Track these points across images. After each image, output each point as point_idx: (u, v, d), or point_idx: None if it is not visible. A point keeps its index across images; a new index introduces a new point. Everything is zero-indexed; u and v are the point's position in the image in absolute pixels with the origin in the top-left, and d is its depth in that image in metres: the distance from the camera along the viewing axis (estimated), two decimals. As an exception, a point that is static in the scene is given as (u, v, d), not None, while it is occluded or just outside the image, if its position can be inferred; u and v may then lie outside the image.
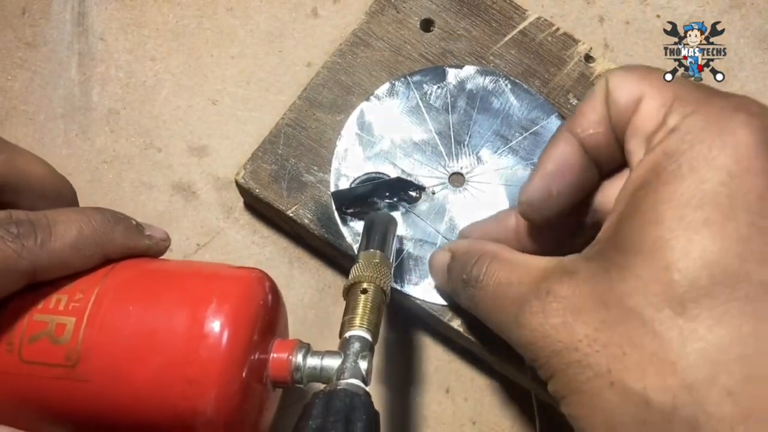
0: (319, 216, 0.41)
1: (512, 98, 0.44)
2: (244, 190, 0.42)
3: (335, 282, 0.43)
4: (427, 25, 0.45)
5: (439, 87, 0.44)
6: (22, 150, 0.31)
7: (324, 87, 0.44)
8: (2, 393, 0.28)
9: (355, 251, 0.40)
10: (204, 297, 0.28)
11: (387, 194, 0.41)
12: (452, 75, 0.44)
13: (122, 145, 0.46)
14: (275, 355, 0.30)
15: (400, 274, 0.40)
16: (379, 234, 0.36)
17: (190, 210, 0.45)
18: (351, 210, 0.41)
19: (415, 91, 0.44)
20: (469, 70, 0.44)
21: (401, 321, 0.42)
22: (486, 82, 0.44)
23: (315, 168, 0.42)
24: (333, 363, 0.29)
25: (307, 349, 0.30)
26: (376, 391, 0.41)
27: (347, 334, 0.30)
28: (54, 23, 0.48)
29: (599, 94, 0.30)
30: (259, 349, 0.29)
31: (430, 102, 0.43)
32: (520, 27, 0.45)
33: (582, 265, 0.27)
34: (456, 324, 0.39)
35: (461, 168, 0.42)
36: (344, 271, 0.43)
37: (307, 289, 0.43)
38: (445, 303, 0.39)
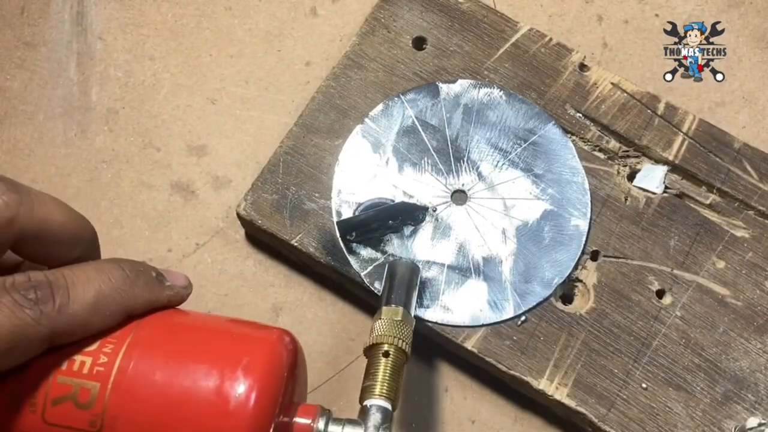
0: (324, 243, 0.41)
1: (508, 109, 0.43)
2: (246, 222, 0.42)
3: (337, 302, 0.43)
4: (419, 43, 0.45)
5: (433, 104, 0.43)
6: (42, 195, 0.30)
7: (320, 112, 0.43)
8: None
9: (362, 278, 0.40)
10: (230, 366, 0.27)
11: (391, 219, 0.40)
12: (445, 90, 0.44)
13: (121, 145, 0.46)
14: (298, 420, 0.30)
15: None
16: (401, 287, 0.36)
17: (189, 209, 0.45)
18: (355, 237, 0.40)
19: (409, 109, 0.43)
20: (463, 84, 0.44)
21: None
22: (480, 95, 0.44)
23: (316, 195, 0.42)
24: None
25: (329, 416, 0.30)
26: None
27: (367, 403, 0.31)
28: (53, 23, 0.48)
29: None
30: (284, 414, 0.28)
31: (426, 120, 0.43)
32: (513, 40, 0.45)
33: None
34: (470, 345, 0.39)
35: (463, 185, 0.42)
36: (348, 294, 0.43)
37: (306, 288, 0.43)
38: (457, 324, 0.39)
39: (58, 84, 0.47)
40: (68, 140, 0.46)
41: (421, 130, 0.43)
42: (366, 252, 0.40)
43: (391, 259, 0.40)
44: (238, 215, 0.42)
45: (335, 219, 0.41)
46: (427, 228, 0.41)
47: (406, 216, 0.41)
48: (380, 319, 0.34)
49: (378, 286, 0.40)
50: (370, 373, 0.32)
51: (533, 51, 0.45)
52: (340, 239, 0.40)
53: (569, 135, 0.43)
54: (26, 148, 0.46)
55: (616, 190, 0.42)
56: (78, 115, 0.47)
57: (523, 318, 0.39)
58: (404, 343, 0.33)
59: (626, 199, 0.42)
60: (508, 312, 0.39)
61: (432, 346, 0.42)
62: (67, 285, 0.27)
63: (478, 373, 0.41)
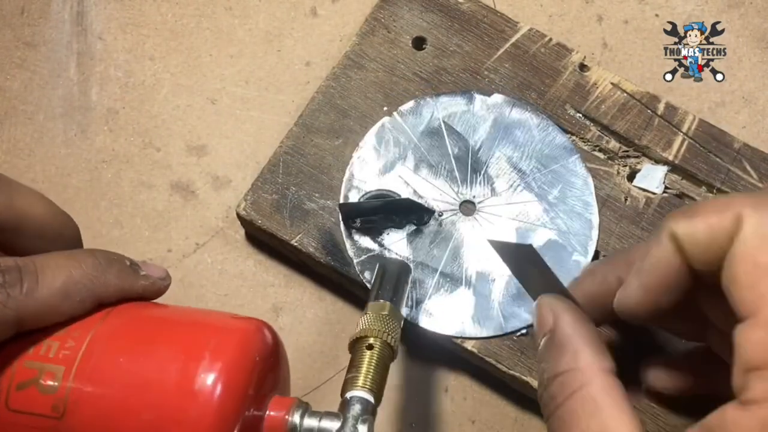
0: (324, 243, 0.41)
1: (537, 132, 0.43)
2: (246, 222, 0.42)
3: (337, 301, 0.43)
4: (419, 43, 0.45)
5: (464, 111, 0.43)
6: (23, 188, 0.30)
7: (320, 112, 0.43)
8: None
9: (355, 265, 0.40)
10: (197, 350, 0.27)
11: (395, 214, 0.40)
12: (479, 101, 0.43)
13: (121, 145, 0.46)
14: (271, 413, 0.28)
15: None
16: (390, 283, 0.35)
17: (189, 209, 0.45)
18: (357, 224, 0.40)
19: (439, 111, 0.43)
20: (498, 98, 0.44)
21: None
22: (512, 112, 0.43)
23: (317, 195, 0.42)
24: (331, 426, 0.28)
25: (305, 409, 0.29)
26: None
27: (348, 395, 0.29)
28: (53, 23, 0.48)
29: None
30: (254, 406, 0.27)
31: (453, 125, 0.43)
32: (513, 40, 0.45)
33: None
34: (470, 345, 0.39)
35: (473, 196, 0.42)
36: (348, 294, 0.43)
37: (306, 288, 0.43)
38: (436, 330, 0.39)
39: (58, 84, 0.47)
40: (68, 140, 0.46)
41: (446, 134, 0.43)
42: (363, 240, 0.40)
43: (386, 252, 0.40)
44: (238, 215, 0.42)
45: (341, 200, 0.41)
46: (428, 231, 0.41)
47: (411, 214, 0.41)
48: (366, 313, 0.33)
49: (368, 276, 0.40)
50: (353, 365, 0.31)
51: (533, 51, 0.45)
52: (341, 222, 0.40)
53: (569, 135, 0.43)
54: (26, 148, 0.46)
55: (616, 190, 0.42)
56: (78, 115, 0.47)
57: (523, 331, 0.39)
58: (390, 338, 0.32)
59: (626, 199, 0.42)
60: (488, 331, 0.39)
61: (432, 346, 0.42)
62: (36, 270, 0.27)
63: (478, 373, 0.41)
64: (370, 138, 0.43)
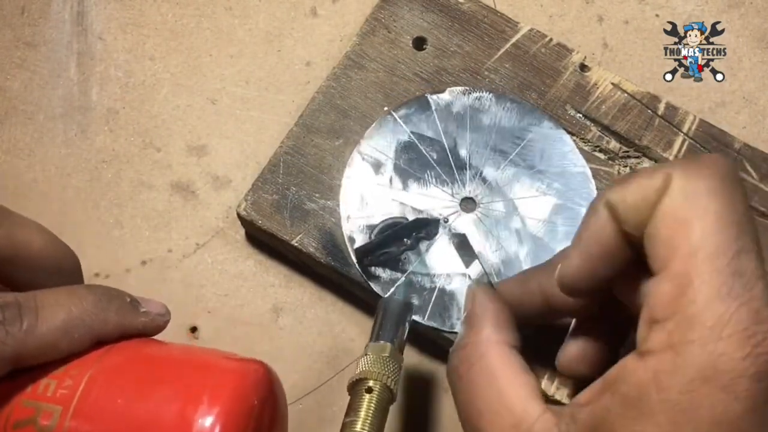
0: (324, 243, 0.40)
1: (499, 110, 0.43)
2: (246, 222, 0.42)
3: (338, 302, 0.43)
4: (419, 43, 0.45)
5: (426, 116, 0.43)
6: (24, 220, 0.30)
7: (320, 112, 0.43)
8: None
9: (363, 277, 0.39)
10: (195, 393, 0.26)
11: (405, 237, 0.40)
12: (435, 101, 0.44)
13: (121, 145, 0.46)
14: None
15: (438, 311, 0.39)
16: (391, 323, 0.34)
17: (189, 209, 0.45)
18: (371, 261, 0.40)
19: (403, 125, 0.43)
20: (452, 91, 0.44)
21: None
22: (470, 100, 0.44)
23: (317, 195, 0.42)
24: None
25: None
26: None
27: None
28: (53, 23, 0.48)
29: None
30: None
31: (422, 133, 0.43)
32: (513, 40, 0.45)
33: None
34: None
35: (469, 192, 0.42)
36: (348, 294, 0.43)
37: (306, 289, 0.43)
38: None
39: (58, 84, 0.47)
40: (68, 140, 0.46)
41: (418, 144, 0.43)
42: (386, 274, 0.40)
43: (411, 276, 0.40)
44: (239, 215, 0.42)
45: (349, 246, 0.40)
46: (441, 240, 0.41)
47: (419, 232, 0.40)
48: (366, 354, 0.33)
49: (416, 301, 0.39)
50: (351, 409, 0.30)
51: (534, 51, 0.45)
52: (356, 264, 0.40)
53: (568, 134, 0.43)
54: (26, 148, 0.46)
55: (617, 191, 0.42)
56: (78, 115, 0.47)
57: None
58: (390, 381, 0.31)
59: (626, 200, 0.42)
60: None
61: (432, 347, 0.42)
62: (37, 306, 0.27)
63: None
64: (349, 175, 0.42)
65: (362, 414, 0.30)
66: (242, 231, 0.44)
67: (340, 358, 0.42)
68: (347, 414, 0.30)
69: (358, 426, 0.29)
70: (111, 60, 0.48)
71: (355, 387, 0.31)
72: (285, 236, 0.41)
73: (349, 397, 0.31)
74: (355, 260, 0.40)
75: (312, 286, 0.43)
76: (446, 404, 0.41)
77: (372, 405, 0.30)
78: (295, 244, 0.41)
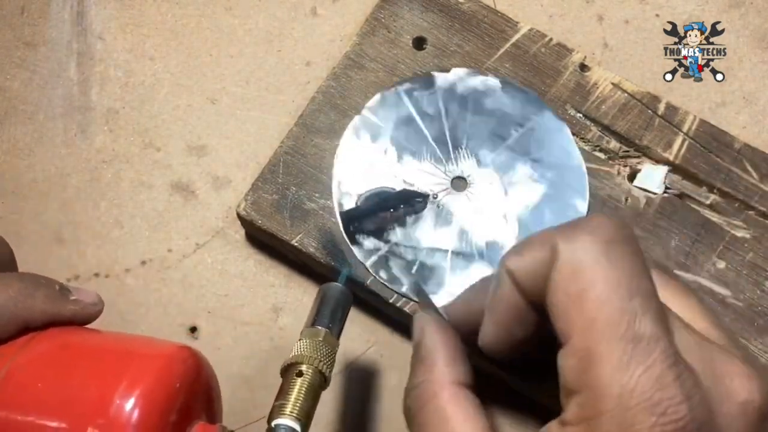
0: (324, 243, 0.41)
1: (504, 96, 0.44)
2: (246, 222, 0.42)
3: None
4: (419, 43, 0.45)
5: (430, 93, 0.44)
6: None
7: (320, 112, 0.43)
8: None
9: (367, 268, 0.40)
10: (115, 377, 0.26)
11: (392, 208, 0.41)
12: (441, 80, 0.44)
13: (121, 145, 0.46)
14: None
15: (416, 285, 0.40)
16: (329, 309, 0.34)
17: (189, 209, 0.45)
18: (357, 227, 0.40)
19: (406, 100, 0.43)
20: (458, 72, 0.44)
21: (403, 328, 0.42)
22: (476, 83, 0.44)
23: (317, 195, 0.42)
24: None
25: None
26: (375, 389, 0.41)
27: (274, 422, 0.29)
28: (53, 23, 0.48)
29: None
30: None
31: (423, 109, 0.43)
32: (513, 40, 0.45)
33: None
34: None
35: (462, 171, 0.42)
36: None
37: (306, 289, 0.43)
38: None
39: (58, 84, 0.47)
40: (68, 140, 0.46)
41: (418, 119, 0.43)
42: (369, 242, 0.41)
43: (394, 248, 0.40)
44: (238, 215, 0.42)
45: (337, 210, 0.41)
46: (428, 215, 0.41)
47: (407, 204, 0.41)
48: (301, 339, 0.33)
49: (383, 275, 0.40)
50: (282, 392, 0.30)
51: (534, 51, 0.45)
52: (343, 231, 0.40)
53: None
54: (26, 148, 0.46)
55: (617, 191, 0.42)
56: (78, 115, 0.47)
57: None
58: (323, 365, 0.31)
59: (627, 200, 0.42)
60: None
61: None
62: None
63: (477, 373, 0.41)
64: (345, 141, 0.43)
65: (292, 397, 0.30)
66: (242, 231, 0.44)
67: (340, 358, 0.42)
68: (277, 397, 0.30)
69: (288, 409, 0.29)
70: (111, 60, 0.48)
71: (287, 371, 0.31)
72: (285, 236, 0.41)
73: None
74: (346, 237, 0.40)
75: (312, 286, 0.43)
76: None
77: (303, 389, 0.30)
78: (295, 244, 0.41)
